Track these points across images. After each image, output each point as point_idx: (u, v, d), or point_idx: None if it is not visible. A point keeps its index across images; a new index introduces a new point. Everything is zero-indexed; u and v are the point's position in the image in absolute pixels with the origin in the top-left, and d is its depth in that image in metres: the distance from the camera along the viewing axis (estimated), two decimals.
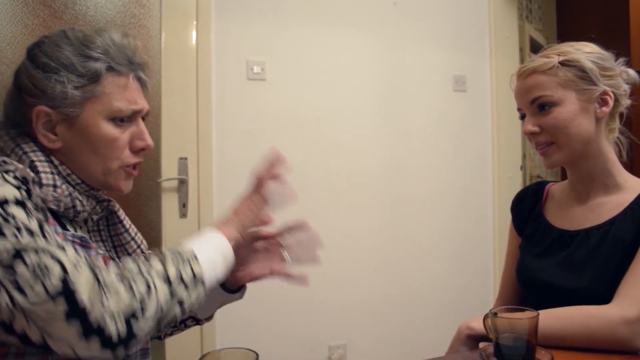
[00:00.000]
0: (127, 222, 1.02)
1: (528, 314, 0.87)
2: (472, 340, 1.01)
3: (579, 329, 0.94)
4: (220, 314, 2.21)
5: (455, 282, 2.68)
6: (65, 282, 0.67)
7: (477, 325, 1.00)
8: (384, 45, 2.57)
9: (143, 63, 0.95)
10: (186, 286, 0.79)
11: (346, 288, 2.47)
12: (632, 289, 0.95)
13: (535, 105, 1.10)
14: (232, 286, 1.10)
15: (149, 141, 0.95)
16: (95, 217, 0.94)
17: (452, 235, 2.69)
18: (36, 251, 0.68)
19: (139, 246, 1.02)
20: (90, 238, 0.94)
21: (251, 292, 2.27)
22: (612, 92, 1.09)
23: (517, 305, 1.27)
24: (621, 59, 1.13)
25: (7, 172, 0.78)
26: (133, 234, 1.02)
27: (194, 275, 0.81)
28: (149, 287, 0.73)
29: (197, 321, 1.12)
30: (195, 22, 2.25)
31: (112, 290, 0.69)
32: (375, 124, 2.54)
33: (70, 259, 0.69)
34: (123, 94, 0.89)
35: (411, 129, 2.61)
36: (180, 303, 0.78)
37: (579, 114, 1.07)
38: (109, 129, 0.89)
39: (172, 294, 0.76)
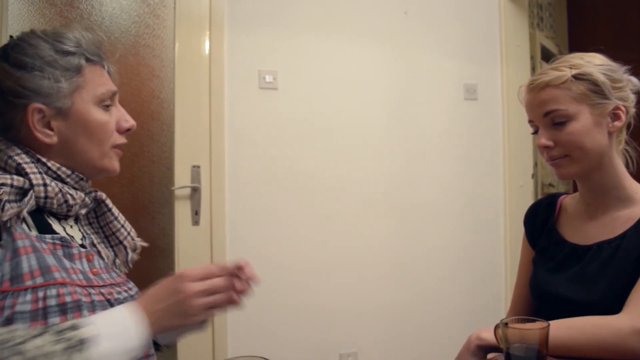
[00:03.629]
0: (115, 210, 1.04)
1: (539, 324, 0.87)
2: (482, 350, 1.01)
3: (590, 339, 0.95)
4: (232, 321, 2.25)
5: (466, 290, 2.67)
6: None
7: (487, 336, 1.01)
8: (395, 54, 2.59)
9: (108, 54, 1.00)
10: None
11: (357, 295, 2.48)
12: None
13: (548, 119, 1.10)
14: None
15: (132, 121, 1.01)
16: (84, 211, 0.97)
17: (462, 243, 2.69)
18: None
19: (129, 233, 1.04)
20: (84, 234, 0.97)
21: (263, 299, 2.29)
22: (624, 105, 1.09)
23: (530, 316, 1.28)
24: (625, 68, 1.13)
25: None
26: (122, 222, 1.04)
27: None
28: None
29: (157, 347, 1.02)
30: (208, 33, 2.28)
31: None
32: (386, 133, 2.55)
33: None
34: (101, 80, 0.95)
35: (422, 138, 2.62)
36: None
37: (592, 128, 1.08)
38: (99, 113, 0.94)
39: None
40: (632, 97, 1.13)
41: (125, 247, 1.02)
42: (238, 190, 2.29)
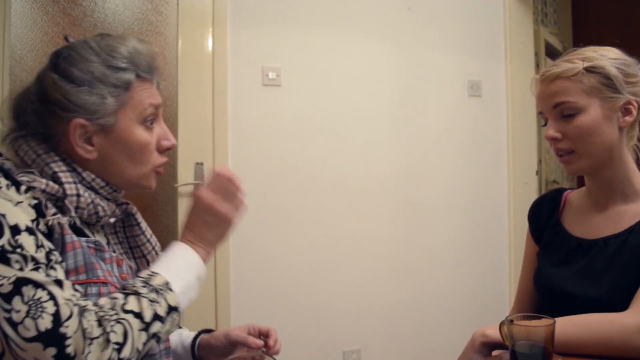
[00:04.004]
0: (143, 224, 1.04)
1: (544, 321, 0.87)
2: (486, 347, 1.01)
3: (596, 336, 0.94)
4: (236, 318, 2.25)
5: (470, 288, 2.67)
6: (56, 325, 0.67)
7: (492, 333, 1.00)
8: (398, 50, 2.58)
9: (159, 68, 0.99)
10: (162, 320, 0.79)
11: (360, 293, 2.47)
12: None
13: (557, 111, 1.09)
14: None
15: (173, 140, 0.99)
16: (112, 220, 0.97)
17: (467, 240, 2.68)
18: (35, 285, 0.69)
19: (153, 248, 1.03)
20: (108, 241, 0.97)
21: (267, 297, 2.29)
22: (636, 101, 1.07)
23: (534, 312, 1.27)
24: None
25: (29, 189, 0.80)
26: (149, 236, 1.04)
27: (169, 308, 0.81)
28: (125, 334, 0.73)
29: None
30: (211, 29, 2.28)
31: (94, 341, 0.70)
32: (389, 130, 2.55)
33: (65, 298, 0.70)
34: (148, 97, 0.93)
35: (426, 134, 2.61)
36: (156, 336, 0.79)
37: (602, 122, 1.06)
38: (142, 133, 0.92)
39: (148, 333, 0.77)
40: None
41: (148, 262, 1.01)
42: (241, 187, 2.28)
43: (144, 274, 0.84)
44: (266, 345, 1.09)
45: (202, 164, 2.22)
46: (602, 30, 3.73)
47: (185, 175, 2.21)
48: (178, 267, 0.87)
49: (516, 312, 1.31)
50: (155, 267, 0.86)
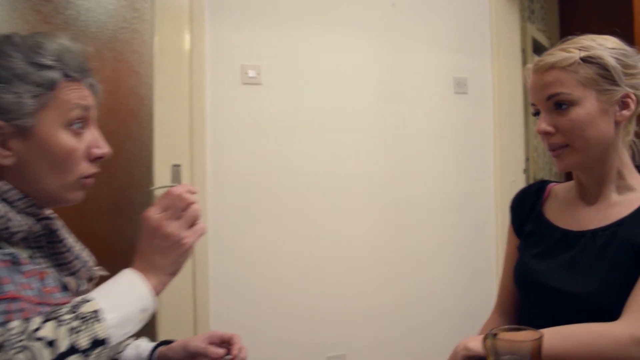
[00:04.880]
0: (69, 241, 0.94)
1: (530, 334, 0.80)
2: None
3: (586, 350, 0.88)
4: (215, 324, 2.18)
5: (457, 289, 2.61)
6: None
7: (475, 346, 0.94)
8: (383, 47, 2.51)
9: (92, 69, 0.89)
10: (83, 352, 0.69)
11: (345, 296, 2.41)
12: None
13: (551, 103, 1.03)
14: None
15: (106, 148, 0.88)
16: (30, 236, 0.87)
17: (453, 241, 2.62)
18: None
19: (84, 265, 0.94)
20: (32, 254, 0.87)
21: (248, 300, 2.22)
22: (635, 94, 1.01)
23: (517, 310, 1.21)
24: None
25: None
26: (76, 253, 0.94)
27: (94, 340, 0.70)
28: None
29: None
30: (189, 26, 2.21)
31: None
32: (374, 127, 2.49)
33: None
34: (76, 99, 0.84)
35: (411, 132, 2.55)
36: None
37: (598, 116, 1.00)
38: (66, 139, 0.83)
39: None
40: None
41: (79, 279, 0.92)
42: (221, 189, 2.22)
43: (78, 298, 0.75)
44: (230, 353, 1.02)
45: (179, 165, 2.15)
46: (590, 27, 3.69)
47: (161, 178, 2.13)
48: (119, 296, 0.77)
49: (499, 310, 1.26)
50: (94, 293, 0.76)
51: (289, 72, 2.34)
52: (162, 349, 1.04)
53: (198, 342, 1.01)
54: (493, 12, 2.73)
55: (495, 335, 0.80)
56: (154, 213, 0.80)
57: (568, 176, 1.18)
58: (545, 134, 1.04)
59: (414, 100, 2.56)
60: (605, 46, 1.01)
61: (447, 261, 2.61)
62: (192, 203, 0.82)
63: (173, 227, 0.79)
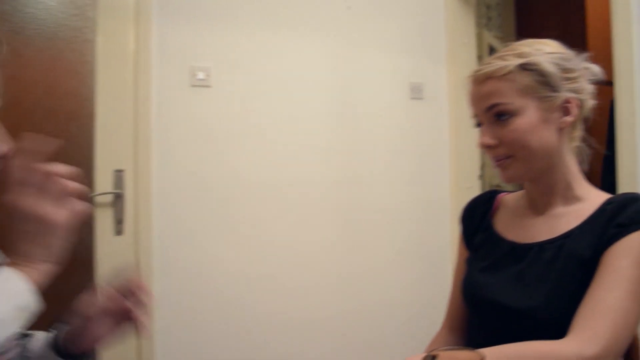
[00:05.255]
0: None
1: (472, 355, 0.75)
2: None
3: None
4: (161, 340, 2.07)
5: (414, 298, 2.57)
6: None
7: None
8: (337, 50, 2.46)
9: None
10: None
11: (298, 306, 2.34)
12: (591, 320, 0.84)
13: (491, 114, 0.99)
14: (73, 351, 0.89)
15: (6, 146, 0.74)
16: None
17: (410, 248, 2.58)
18: None
19: None
20: None
21: (195, 313, 2.13)
22: (576, 98, 0.98)
23: (466, 326, 1.17)
24: (584, 55, 1.02)
25: None
26: None
27: None
28: None
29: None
30: (134, 25, 2.10)
31: None
32: (328, 133, 2.43)
33: None
34: None
35: (366, 138, 2.50)
36: None
37: (540, 124, 0.96)
38: None
39: None
40: (589, 88, 1.01)
41: None
42: (167, 196, 2.11)
43: None
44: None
45: (122, 171, 2.04)
46: (546, 35, 3.74)
47: (103, 184, 2.02)
48: None
49: (448, 326, 1.22)
50: None
51: (240, 75, 2.26)
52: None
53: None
54: (449, 18, 2.72)
55: (434, 357, 0.75)
56: (12, 193, 0.69)
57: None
58: (488, 147, 1.00)
59: (369, 105, 2.51)
60: (543, 51, 0.98)
61: (404, 269, 2.56)
62: (52, 174, 0.70)
63: (29, 204, 0.68)
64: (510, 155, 0.99)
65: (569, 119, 0.98)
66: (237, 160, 2.24)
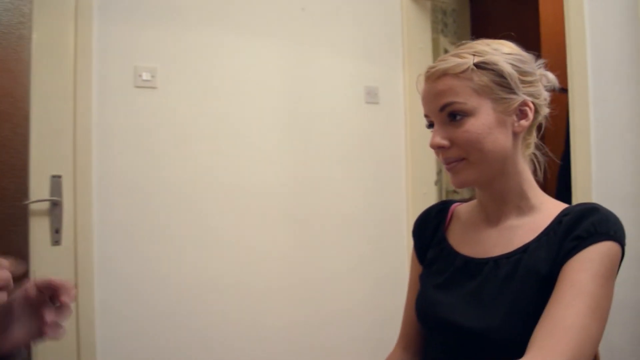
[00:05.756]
0: None
1: None
2: None
3: None
4: (103, 356, 1.94)
5: (371, 307, 2.51)
6: None
7: None
8: (291, 52, 2.39)
9: None
10: None
11: (252, 317, 2.24)
12: (549, 339, 0.78)
13: (445, 114, 0.93)
14: None
15: None
16: None
17: (364, 255, 2.53)
18: None
19: None
20: None
21: (140, 327, 2.00)
22: (533, 102, 0.94)
23: (421, 344, 1.11)
24: (540, 61, 0.98)
25: None
26: None
27: None
28: None
29: None
30: (74, 21, 1.98)
31: None
32: (281, 137, 2.35)
33: None
34: None
35: (321, 143, 2.44)
36: None
37: (494, 127, 0.91)
38: None
39: None
40: (545, 95, 0.97)
41: None
42: (108, 203, 1.99)
43: None
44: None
45: (59, 176, 1.91)
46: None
47: (38, 191, 1.88)
48: None
49: (402, 345, 1.16)
50: None
51: (188, 76, 2.15)
52: None
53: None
54: (405, 23, 2.69)
55: None
56: None
57: None
58: (440, 148, 0.95)
59: (324, 108, 2.45)
60: (501, 51, 0.93)
61: (360, 277, 2.51)
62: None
63: None
64: (462, 158, 0.94)
65: (525, 123, 0.94)
66: (184, 166, 2.13)
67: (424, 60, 2.74)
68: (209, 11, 2.21)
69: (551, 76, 0.99)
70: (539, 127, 1.01)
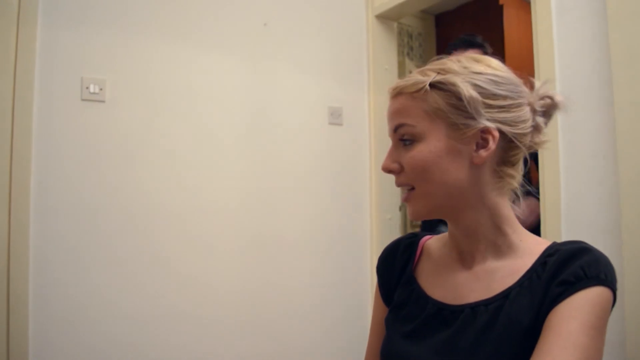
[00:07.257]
0: None
1: None
2: None
3: None
4: None
5: (334, 337, 2.39)
6: None
7: None
8: (252, 69, 2.29)
9: None
10: None
11: (206, 347, 2.09)
12: None
13: (398, 135, 0.84)
14: None
15: None
16: None
17: (326, 282, 2.41)
18: None
19: None
20: None
21: (79, 351, 1.83)
22: (501, 129, 0.81)
23: None
24: (546, 82, 0.85)
25: None
26: None
27: None
28: None
29: None
30: (15, 28, 1.82)
31: None
32: (240, 157, 2.23)
33: None
34: None
35: (282, 164, 2.32)
36: None
37: (444, 155, 0.80)
38: None
39: None
40: (536, 121, 0.84)
41: None
42: (47, 223, 1.82)
43: None
44: None
45: None
46: None
47: None
48: None
49: None
50: None
51: (139, 90, 2.02)
52: None
53: None
54: (371, 43, 2.62)
55: None
56: None
57: None
58: (389, 172, 0.85)
59: (285, 129, 2.35)
60: (470, 70, 0.82)
61: (318, 305, 2.38)
62: None
63: None
64: (412, 187, 0.84)
65: (483, 153, 0.81)
66: (135, 185, 1.99)
67: (390, 82, 2.67)
68: (165, 22, 2.09)
69: (558, 97, 0.85)
70: (525, 161, 0.87)
